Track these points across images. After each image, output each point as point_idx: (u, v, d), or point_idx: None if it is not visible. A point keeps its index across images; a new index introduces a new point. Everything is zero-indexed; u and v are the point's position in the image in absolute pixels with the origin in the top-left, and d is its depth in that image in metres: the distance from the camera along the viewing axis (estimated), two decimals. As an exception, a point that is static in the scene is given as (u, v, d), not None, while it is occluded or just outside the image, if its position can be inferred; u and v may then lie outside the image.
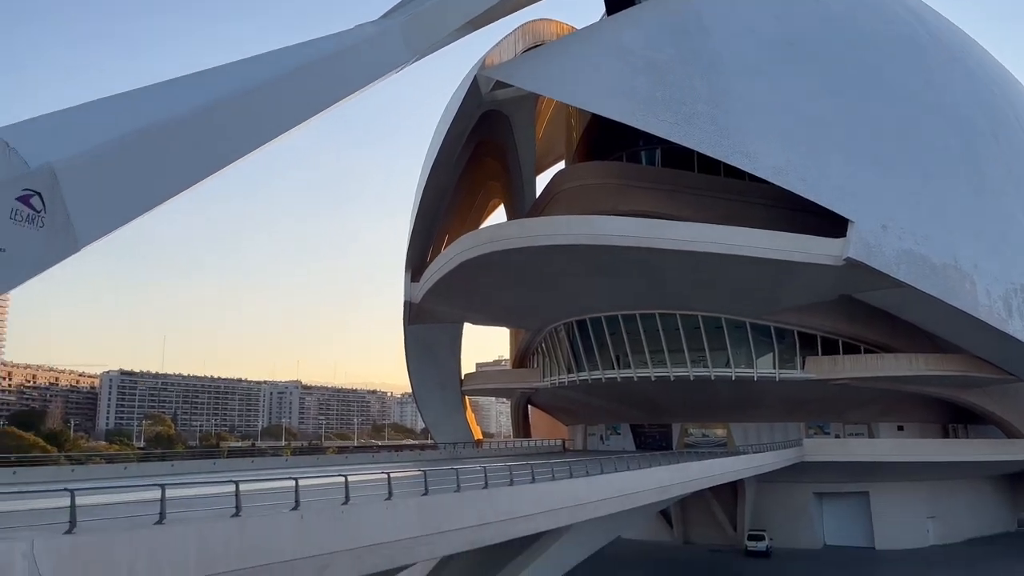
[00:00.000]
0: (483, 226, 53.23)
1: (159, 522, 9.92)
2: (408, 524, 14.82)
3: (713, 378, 43.45)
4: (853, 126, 40.36)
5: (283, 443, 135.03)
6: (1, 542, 8.02)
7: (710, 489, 37.41)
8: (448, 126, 45.88)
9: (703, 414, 49.86)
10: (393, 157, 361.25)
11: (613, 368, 45.69)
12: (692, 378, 43.66)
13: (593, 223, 37.30)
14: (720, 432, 49.89)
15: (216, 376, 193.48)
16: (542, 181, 57.54)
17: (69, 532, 8.75)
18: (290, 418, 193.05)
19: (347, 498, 13.48)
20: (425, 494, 15.55)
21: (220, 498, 12.02)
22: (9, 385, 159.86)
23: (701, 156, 41.55)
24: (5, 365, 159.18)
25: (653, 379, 44.44)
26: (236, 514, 11.19)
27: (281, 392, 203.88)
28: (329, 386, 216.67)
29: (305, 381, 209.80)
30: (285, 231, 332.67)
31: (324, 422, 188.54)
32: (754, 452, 38.41)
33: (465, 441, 51.32)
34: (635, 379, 44.92)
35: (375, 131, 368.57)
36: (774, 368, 43.63)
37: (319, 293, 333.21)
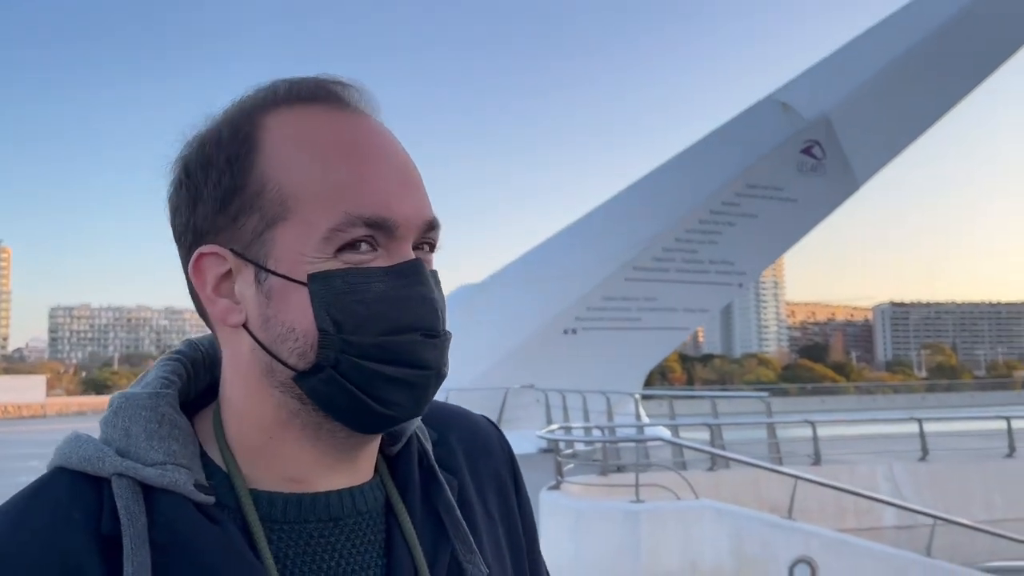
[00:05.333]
0: None
1: (1009, 455, 9.46)
2: None
3: None
4: None
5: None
6: (865, 465, 8.83)
7: None
8: None
9: None
10: None
11: None
12: None
13: None
14: None
15: (995, 301, 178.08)
16: None
17: (923, 459, 9.05)
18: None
19: None
20: None
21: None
22: (793, 322, 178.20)
23: None
24: (788, 304, 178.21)
25: None
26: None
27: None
28: None
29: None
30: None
31: None
32: None
33: None
34: None
35: None
36: None
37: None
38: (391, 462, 0.73)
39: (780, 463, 8.47)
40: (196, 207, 0.66)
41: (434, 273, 0.67)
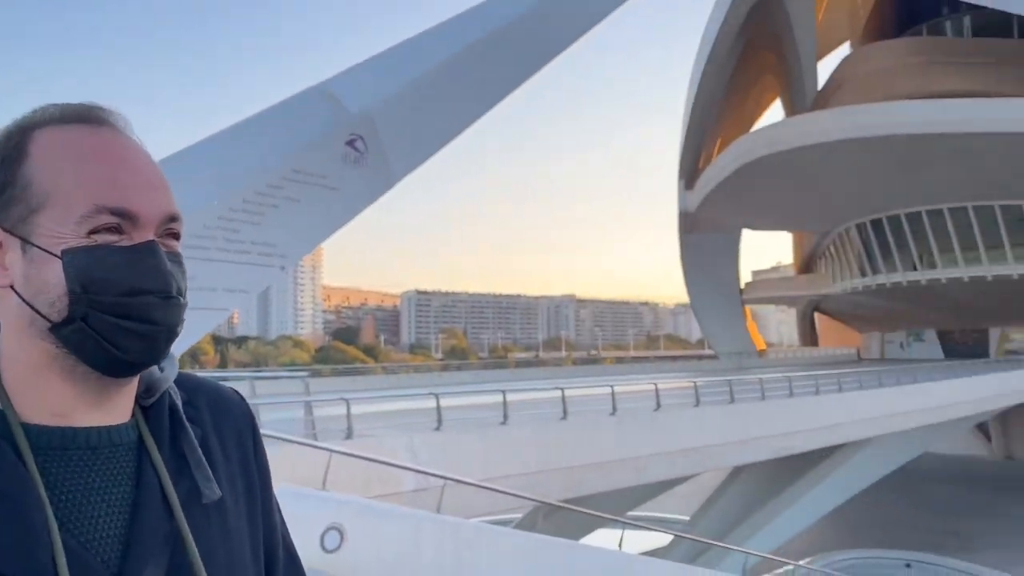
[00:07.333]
0: (760, 125, 50.43)
1: (503, 423, 11.26)
2: (716, 430, 15.17)
3: (1042, 276, 38.07)
4: None
5: (563, 354, 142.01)
6: (390, 437, 9.67)
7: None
8: (720, 23, 43.60)
9: (1028, 318, 44.14)
10: (658, 64, 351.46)
11: (915, 269, 41.73)
12: (1016, 276, 38.59)
13: (897, 110, 33.47)
14: (1050, 338, 43.99)
15: (498, 293, 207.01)
16: (825, 69, 52.82)
17: (437, 429, 10.24)
18: (568, 330, 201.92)
19: (658, 405, 14.10)
20: (731, 402, 15.77)
21: (536, 404, 13.17)
22: (329, 306, 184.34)
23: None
24: (325, 288, 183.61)
25: (966, 280, 39.99)
26: (564, 417, 12.28)
27: (558, 306, 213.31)
28: (602, 299, 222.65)
29: (579, 295, 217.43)
30: (549, 147, 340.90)
31: (600, 334, 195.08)
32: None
33: (747, 351, 50.35)
34: (943, 281, 40.72)
35: (636, 37, 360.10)
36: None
37: (585, 205, 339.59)
38: (146, 412, 0.91)
39: (316, 439, 8.83)
40: None
41: (175, 255, 0.85)
